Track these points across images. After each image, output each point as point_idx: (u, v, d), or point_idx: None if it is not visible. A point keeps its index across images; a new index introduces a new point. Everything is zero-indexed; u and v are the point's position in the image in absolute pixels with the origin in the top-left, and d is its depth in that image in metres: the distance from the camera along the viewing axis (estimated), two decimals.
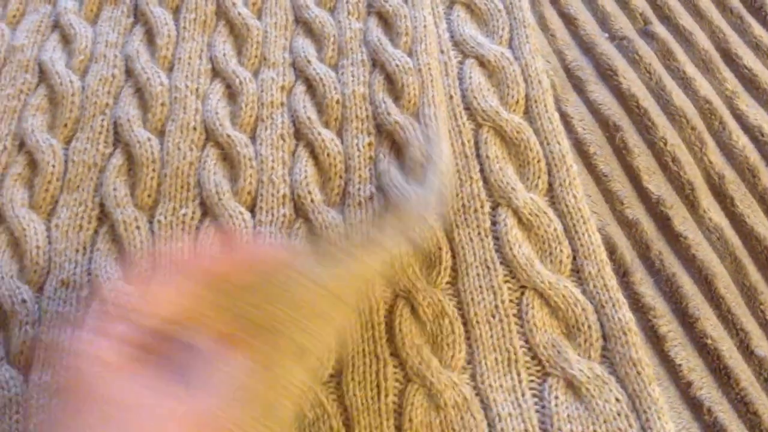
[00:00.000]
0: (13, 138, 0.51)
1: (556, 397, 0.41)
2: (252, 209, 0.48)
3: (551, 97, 0.52)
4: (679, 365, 0.43)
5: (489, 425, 0.41)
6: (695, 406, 0.42)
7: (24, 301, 0.44)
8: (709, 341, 0.44)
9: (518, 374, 0.42)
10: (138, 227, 0.47)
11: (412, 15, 0.56)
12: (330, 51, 0.55)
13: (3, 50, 0.56)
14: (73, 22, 0.57)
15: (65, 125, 0.52)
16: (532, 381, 0.42)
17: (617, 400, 0.41)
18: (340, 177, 0.49)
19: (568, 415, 0.40)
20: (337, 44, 0.56)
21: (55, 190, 0.49)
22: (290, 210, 0.48)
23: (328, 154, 0.50)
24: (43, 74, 0.54)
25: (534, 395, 0.42)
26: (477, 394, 0.41)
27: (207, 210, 0.48)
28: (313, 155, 0.50)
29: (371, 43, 0.55)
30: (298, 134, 0.51)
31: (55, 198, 0.49)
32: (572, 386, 0.41)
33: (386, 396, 0.42)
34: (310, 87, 0.54)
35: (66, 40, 0.56)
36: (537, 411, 0.41)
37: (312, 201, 0.48)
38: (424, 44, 0.54)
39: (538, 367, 0.43)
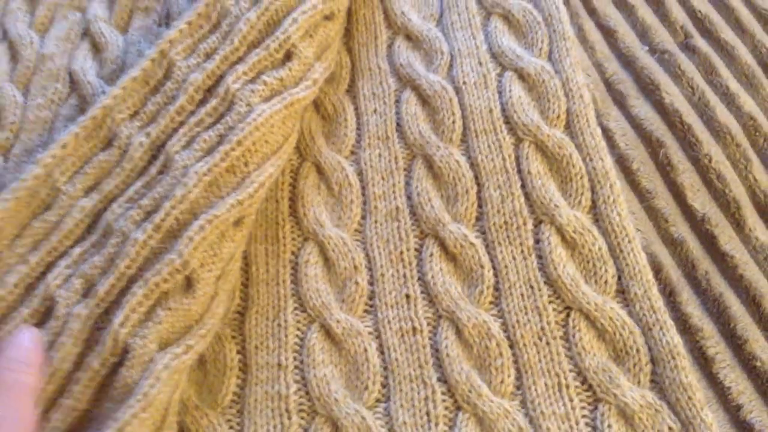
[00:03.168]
0: (44, 149, 0.50)
1: (610, 426, 0.40)
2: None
3: (593, 111, 0.51)
4: (728, 388, 0.43)
5: None
6: (745, 430, 0.42)
7: None
8: (758, 363, 0.43)
9: (570, 400, 0.42)
10: None
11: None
12: None
13: (33, 59, 0.55)
14: (104, 30, 0.56)
15: None
16: (583, 408, 0.41)
17: (670, 429, 0.40)
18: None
19: None
20: None
21: None
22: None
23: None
24: (74, 84, 0.53)
25: (587, 423, 0.41)
26: (530, 422, 0.41)
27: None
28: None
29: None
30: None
31: None
32: (624, 414, 0.41)
33: (437, 424, 0.41)
34: None
35: (96, 49, 0.55)
36: None
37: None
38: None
39: (589, 393, 0.42)
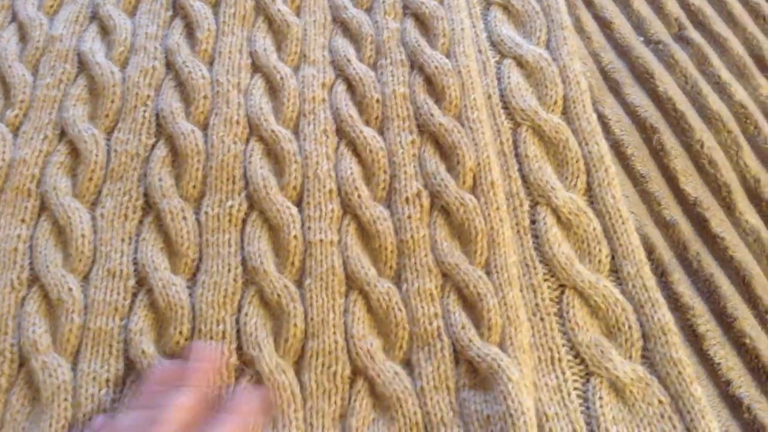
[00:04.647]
0: (53, 127, 0.51)
1: (601, 398, 0.41)
2: (299, 204, 0.48)
3: (589, 98, 0.52)
4: (718, 364, 0.44)
5: (537, 425, 0.41)
6: (734, 404, 0.43)
7: (70, 289, 0.44)
8: (747, 340, 0.45)
9: (563, 373, 0.43)
10: (185, 218, 0.47)
11: (449, 17, 0.56)
12: (368, 51, 0.56)
13: (41, 40, 0.56)
14: (112, 13, 0.57)
15: (106, 116, 0.52)
16: (575, 381, 0.42)
17: (660, 402, 0.41)
18: (385, 172, 0.49)
19: (614, 417, 0.41)
20: (375, 44, 0.56)
21: (98, 179, 0.49)
22: (338, 205, 0.48)
23: (370, 151, 0.50)
24: (82, 65, 0.54)
25: (578, 395, 0.42)
26: None
27: (254, 203, 0.48)
28: (356, 152, 0.51)
29: (409, 43, 0.56)
30: (340, 132, 0.52)
31: (99, 187, 0.49)
32: (616, 387, 0.42)
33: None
34: (350, 86, 0.54)
35: (105, 31, 0.57)
36: (582, 412, 0.41)
37: (359, 197, 0.48)
38: (462, 46, 0.55)
39: (581, 367, 0.43)
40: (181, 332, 0.43)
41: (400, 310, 0.44)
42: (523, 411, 0.39)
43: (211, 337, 0.43)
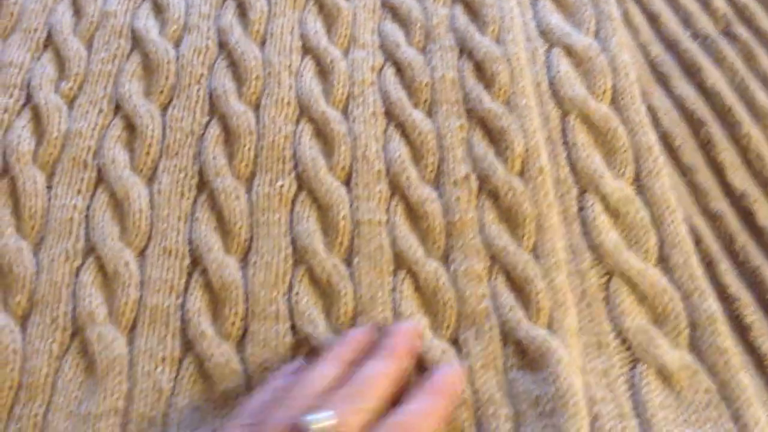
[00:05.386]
0: (108, 101, 0.52)
1: (648, 384, 0.41)
2: (347, 184, 0.49)
3: (638, 89, 0.52)
4: (765, 354, 0.44)
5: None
6: None
7: (127, 263, 0.45)
8: None
9: (609, 358, 0.43)
10: (237, 197, 0.48)
11: (498, 5, 0.57)
12: (417, 35, 0.56)
13: (96, 14, 0.56)
14: None
15: (161, 92, 0.52)
16: (622, 366, 0.43)
17: (707, 390, 0.41)
18: (433, 155, 0.50)
19: (660, 403, 0.41)
20: (425, 29, 0.57)
21: (155, 154, 0.50)
22: (386, 186, 0.49)
23: (419, 133, 0.50)
24: (136, 41, 0.55)
25: (625, 381, 0.42)
26: None
27: (303, 183, 0.49)
28: (405, 134, 0.51)
29: (458, 29, 0.56)
30: (389, 114, 0.52)
31: (155, 163, 0.49)
32: (662, 374, 0.42)
33: None
34: (399, 69, 0.55)
35: (158, 9, 0.57)
36: (629, 397, 0.41)
37: (408, 178, 0.49)
38: (511, 34, 0.55)
39: (628, 353, 0.43)
40: (236, 313, 0.44)
41: (447, 289, 0.44)
42: (574, 392, 0.40)
43: (265, 318, 0.44)
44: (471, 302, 0.44)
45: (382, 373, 0.38)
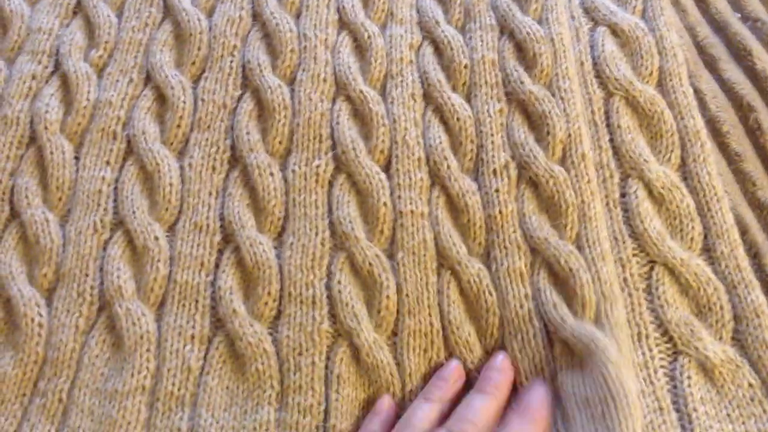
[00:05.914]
0: (139, 71, 0.51)
1: (689, 377, 0.40)
2: (387, 170, 0.47)
3: (686, 71, 0.51)
4: None
5: None
6: None
7: (156, 238, 0.44)
8: None
9: (649, 350, 0.42)
10: (272, 174, 0.47)
11: None
12: (457, 13, 0.55)
13: None
14: None
15: (193, 63, 0.51)
16: (662, 359, 0.41)
17: (750, 385, 0.40)
18: (472, 142, 0.48)
19: (701, 397, 0.40)
20: (464, 6, 0.55)
21: (186, 127, 0.48)
22: (426, 175, 0.47)
23: (458, 119, 0.49)
24: (168, 9, 0.54)
25: (665, 374, 0.41)
26: None
27: (341, 165, 0.47)
28: (443, 120, 0.49)
29: (499, 8, 0.54)
30: (428, 97, 0.50)
31: (186, 136, 0.48)
32: (704, 368, 0.41)
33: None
34: (438, 48, 0.53)
35: None
36: (669, 390, 0.40)
37: (449, 167, 0.47)
38: (555, 13, 0.53)
39: (669, 345, 0.42)
40: (269, 293, 0.43)
41: (490, 293, 0.43)
42: (626, 393, 0.37)
43: (302, 302, 0.43)
44: (514, 306, 0.42)
45: (488, 407, 0.39)
